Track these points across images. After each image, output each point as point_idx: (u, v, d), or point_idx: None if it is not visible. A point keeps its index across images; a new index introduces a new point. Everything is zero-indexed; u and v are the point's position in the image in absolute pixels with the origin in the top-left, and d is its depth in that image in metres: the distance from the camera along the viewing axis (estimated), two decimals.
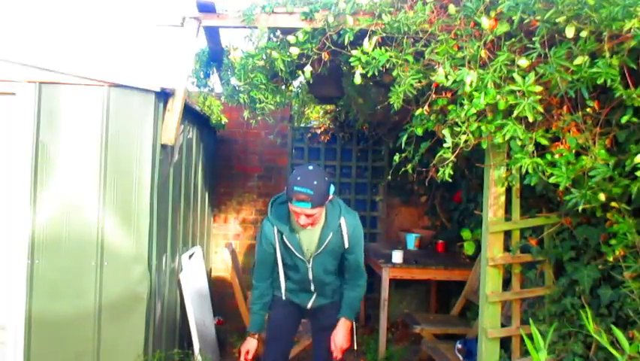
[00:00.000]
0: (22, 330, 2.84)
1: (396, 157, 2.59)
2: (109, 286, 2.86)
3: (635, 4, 1.81)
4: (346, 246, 2.46)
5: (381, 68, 2.44)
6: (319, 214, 2.32)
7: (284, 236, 2.44)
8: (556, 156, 2.09)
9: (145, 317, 2.89)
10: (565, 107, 2.16)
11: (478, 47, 2.24)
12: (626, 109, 1.97)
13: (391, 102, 2.44)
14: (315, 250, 2.45)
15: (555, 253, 2.45)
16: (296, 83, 4.02)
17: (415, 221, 5.28)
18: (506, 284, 2.64)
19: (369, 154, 5.25)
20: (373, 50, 2.46)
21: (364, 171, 5.28)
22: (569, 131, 2.14)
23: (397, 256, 3.90)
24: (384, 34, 2.50)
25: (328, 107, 5.26)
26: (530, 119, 2.10)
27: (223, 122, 4.57)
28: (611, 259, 2.09)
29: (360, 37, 2.54)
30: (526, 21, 2.11)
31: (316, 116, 5.62)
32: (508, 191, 2.54)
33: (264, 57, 2.88)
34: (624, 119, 1.96)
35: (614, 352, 1.61)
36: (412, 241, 4.65)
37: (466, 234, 4.00)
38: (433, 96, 2.39)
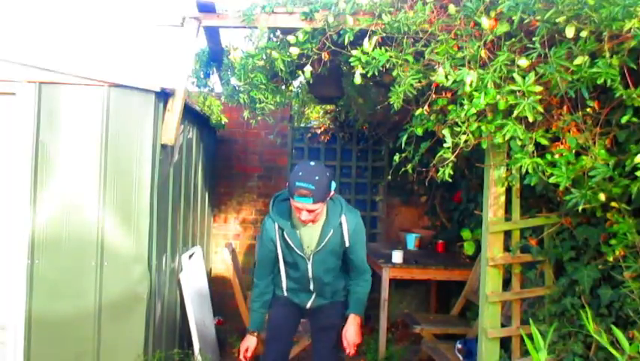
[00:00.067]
0: (22, 330, 2.84)
1: (396, 157, 2.59)
2: (109, 286, 2.86)
3: (635, 4, 1.81)
4: (347, 244, 2.46)
5: (381, 68, 2.44)
6: (321, 210, 2.33)
7: (285, 233, 2.44)
8: (556, 156, 2.09)
9: (145, 317, 2.89)
10: (565, 107, 2.16)
11: (478, 47, 2.24)
12: (626, 109, 1.97)
13: (391, 102, 2.44)
14: (315, 247, 2.46)
15: (555, 253, 2.45)
16: (296, 83, 4.02)
17: (415, 221, 5.28)
18: (506, 284, 2.64)
19: (369, 154, 5.25)
20: (373, 50, 2.46)
21: (364, 171, 5.28)
22: (569, 132, 2.14)
23: (397, 256, 3.90)
24: (384, 34, 2.50)
25: (328, 107, 5.26)
26: (530, 119, 2.10)
27: (223, 122, 4.57)
28: (611, 259, 2.09)
29: (360, 37, 2.54)
30: (526, 21, 2.11)
31: (316, 116, 5.62)
32: (508, 191, 2.54)
33: (264, 57, 2.88)
34: (624, 119, 1.96)
35: (614, 352, 1.61)
36: (412, 241, 4.65)
37: (466, 234, 4.00)
38: (433, 96, 2.39)
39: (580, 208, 2.04)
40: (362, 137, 5.22)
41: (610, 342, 1.68)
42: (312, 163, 2.35)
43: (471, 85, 2.18)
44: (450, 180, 2.36)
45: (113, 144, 2.86)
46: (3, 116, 2.86)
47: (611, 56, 1.91)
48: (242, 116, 3.53)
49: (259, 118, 3.37)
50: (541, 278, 2.58)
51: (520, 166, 2.15)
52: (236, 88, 3.28)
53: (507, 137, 2.17)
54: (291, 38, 2.73)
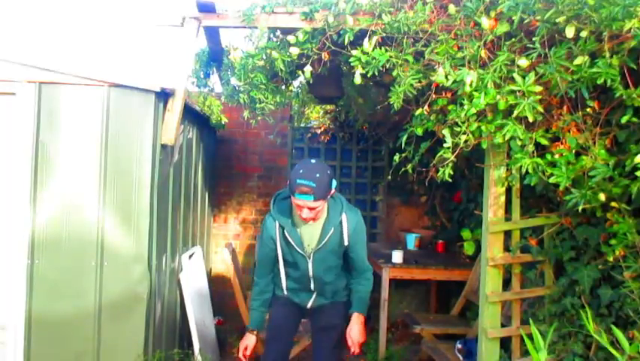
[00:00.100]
0: (22, 330, 2.84)
1: (396, 157, 2.59)
2: (109, 286, 2.86)
3: (635, 4, 1.81)
4: (345, 243, 2.46)
5: (381, 68, 2.44)
6: (321, 208, 2.33)
7: (285, 231, 2.44)
8: (556, 156, 2.09)
9: (145, 317, 2.89)
10: (565, 107, 2.16)
11: (478, 47, 2.24)
12: (626, 109, 1.97)
13: (391, 102, 2.44)
14: (316, 245, 2.46)
15: (555, 253, 2.45)
16: (296, 83, 4.02)
17: (415, 221, 5.28)
18: (506, 284, 2.64)
19: (369, 154, 5.25)
20: (373, 50, 2.46)
21: (364, 171, 5.28)
22: (569, 132, 2.14)
23: (397, 256, 3.90)
24: (384, 34, 2.50)
25: (328, 107, 5.26)
26: (530, 119, 2.10)
27: (223, 122, 4.57)
28: (611, 259, 2.09)
29: (360, 37, 2.54)
30: (526, 21, 2.11)
31: (316, 116, 5.62)
32: (508, 191, 2.54)
33: (264, 57, 2.88)
34: (624, 119, 1.96)
35: (614, 352, 1.61)
36: (412, 241, 4.65)
37: (466, 234, 4.00)
38: (433, 96, 2.39)
39: (580, 208, 2.04)
40: (362, 137, 5.22)
41: (610, 342, 1.68)
42: (313, 161, 2.35)
43: (471, 85, 2.18)
44: (450, 180, 2.36)
45: (113, 144, 2.86)
46: (3, 116, 2.86)
47: (611, 56, 1.91)
48: (242, 116, 3.53)
49: (259, 118, 3.37)
50: (541, 278, 2.58)
51: (520, 166, 2.15)
52: (237, 88, 3.28)
53: (507, 137, 2.17)
54: (291, 38, 2.73)
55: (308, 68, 2.76)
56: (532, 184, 2.17)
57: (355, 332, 2.54)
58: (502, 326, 2.58)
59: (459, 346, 3.27)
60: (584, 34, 1.95)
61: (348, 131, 5.19)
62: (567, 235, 2.45)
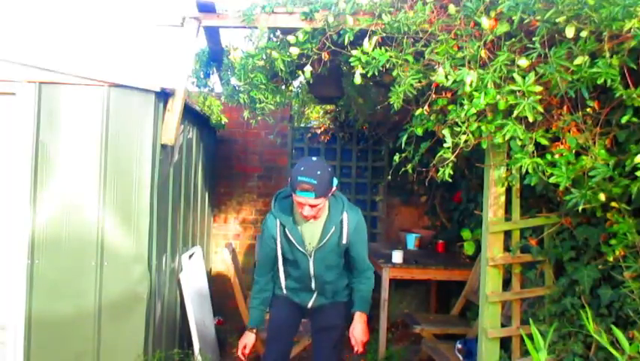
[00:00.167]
0: (22, 330, 2.84)
1: (396, 157, 2.59)
2: (109, 286, 2.86)
3: (635, 4, 1.81)
4: (344, 241, 2.46)
5: (381, 68, 2.44)
6: (322, 206, 2.33)
7: (286, 229, 2.45)
8: (556, 156, 2.09)
9: (145, 317, 2.89)
10: (565, 107, 2.16)
11: (478, 47, 2.24)
12: (626, 109, 1.97)
13: (391, 102, 2.44)
14: (317, 243, 2.46)
15: (555, 253, 2.45)
16: (296, 83, 4.02)
17: (415, 221, 5.28)
18: (506, 284, 2.64)
19: (369, 154, 5.25)
20: (373, 50, 2.46)
21: (364, 171, 5.28)
22: (569, 131, 2.14)
23: (397, 256, 3.90)
24: (384, 34, 2.50)
25: (328, 107, 5.26)
26: (530, 119, 2.10)
27: (223, 122, 4.57)
28: (611, 259, 2.09)
29: (360, 37, 2.54)
30: (526, 21, 2.11)
31: (316, 116, 5.62)
32: (508, 191, 2.54)
33: (264, 57, 2.88)
34: (624, 119, 1.96)
35: (614, 352, 1.61)
36: (412, 241, 4.65)
37: (466, 234, 4.00)
38: (433, 96, 2.39)
39: (580, 208, 2.04)
40: (362, 137, 5.22)
41: (610, 342, 1.68)
42: (314, 159, 2.36)
43: (471, 85, 2.18)
44: (450, 180, 2.36)
45: (113, 144, 2.86)
46: (3, 116, 2.86)
47: (611, 56, 1.91)
48: (242, 116, 3.53)
49: (259, 118, 3.37)
50: (541, 278, 2.58)
51: (520, 166, 2.15)
52: (237, 88, 3.28)
53: (507, 137, 2.17)
54: (291, 38, 2.73)
55: (308, 68, 2.76)
56: (532, 184, 2.17)
57: (358, 331, 2.54)
58: (502, 326, 2.58)
59: (459, 346, 3.27)
60: (584, 34, 1.95)
61: (348, 131, 5.19)
62: (567, 235, 2.45)
